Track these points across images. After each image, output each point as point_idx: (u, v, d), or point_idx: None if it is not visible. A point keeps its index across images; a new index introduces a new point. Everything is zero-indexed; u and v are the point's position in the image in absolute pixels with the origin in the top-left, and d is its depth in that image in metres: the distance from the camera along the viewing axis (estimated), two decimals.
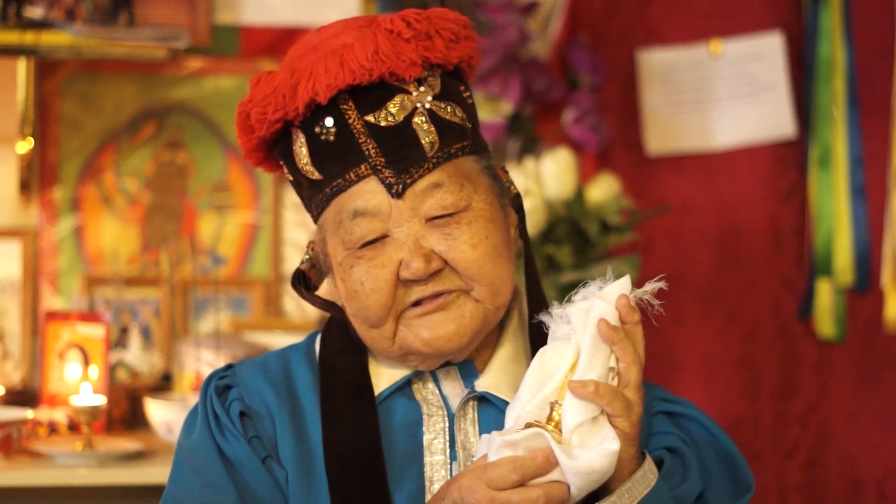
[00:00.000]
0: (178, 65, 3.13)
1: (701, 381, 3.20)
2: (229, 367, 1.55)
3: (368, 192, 1.42)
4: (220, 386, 1.51)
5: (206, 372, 2.29)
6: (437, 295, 1.42)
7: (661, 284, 1.36)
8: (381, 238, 1.43)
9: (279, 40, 3.05)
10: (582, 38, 3.14)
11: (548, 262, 2.82)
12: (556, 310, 1.35)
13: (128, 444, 2.66)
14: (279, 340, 2.86)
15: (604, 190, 2.89)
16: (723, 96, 3.22)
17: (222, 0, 3.14)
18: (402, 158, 1.42)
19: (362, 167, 1.42)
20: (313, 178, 1.46)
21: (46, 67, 3.11)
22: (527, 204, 2.77)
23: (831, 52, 3.12)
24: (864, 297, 3.13)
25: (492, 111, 2.94)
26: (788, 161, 3.21)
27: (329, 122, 1.43)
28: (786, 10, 3.21)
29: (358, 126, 1.42)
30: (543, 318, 1.37)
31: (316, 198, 1.47)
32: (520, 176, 2.83)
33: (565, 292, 1.38)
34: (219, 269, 3.16)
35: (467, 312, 1.42)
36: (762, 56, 3.21)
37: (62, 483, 2.56)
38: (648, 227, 3.12)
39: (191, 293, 3.14)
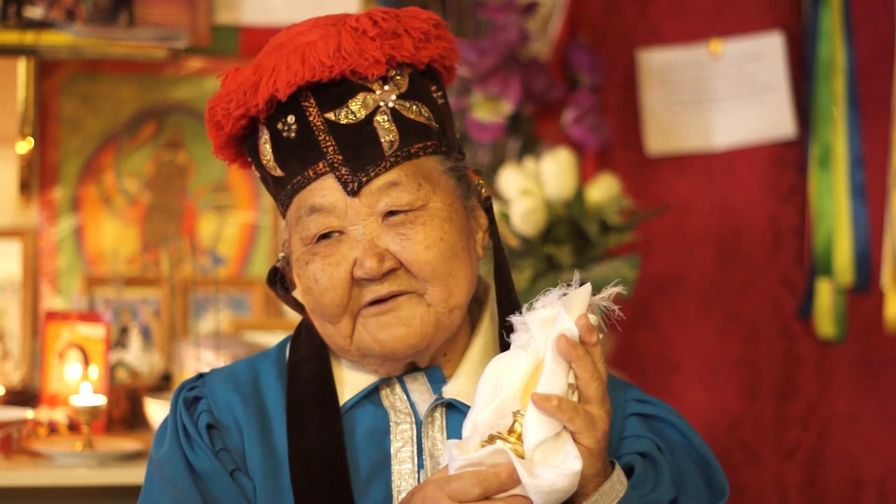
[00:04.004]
0: (178, 65, 3.13)
1: (701, 381, 3.20)
2: (200, 376, 1.54)
3: (325, 189, 1.41)
4: (188, 398, 1.50)
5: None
6: (392, 296, 1.40)
7: (619, 289, 1.32)
8: (336, 234, 1.42)
9: None
10: (582, 38, 3.14)
11: (548, 262, 2.82)
12: (517, 318, 1.33)
13: (128, 444, 2.66)
14: (279, 340, 2.86)
15: (604, 190, 2.89)
16: (723, 96, 3.22)
17: (222, 0, 3.14)
18: (359, 157, 1.40)
19: (320, 164, 1.41)
20: (276, 174, 1.45)
21: (46, 67, 3.11)
22: (527, 204, 2.78)
23: (831, 52, 3.12)
24: (864, 297, 3.13)
25: (492, 111, 2.94)
26: (788, 161, 3.21)
27: (291, 119, 1.42)
28: (786, 10, 3.21)
29: (318, 123, 1.41)
30: (510, 323, 1.35)
31: (280, 195, 1.47)
32: (520, 176, 2.83)
33: (545, 289, 1.36)
34: (219, 269, 3.16)
35: (418, 315, 1.40)
36: (762, 56, 3.21)
37: (62, 483, 2.56)
38: (648, 227, 3.11)
39: (191, 293, 3.14)
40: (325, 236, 1.42)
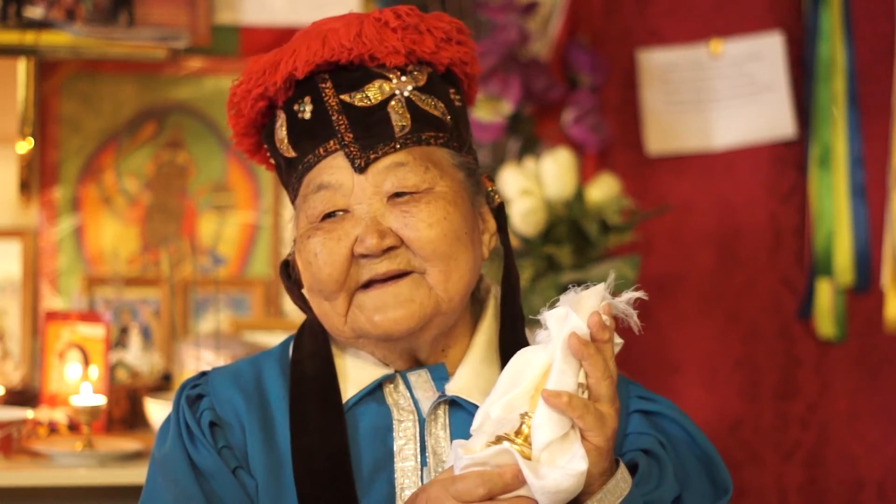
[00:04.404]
0: (178, 65, 3.13)
1: (701, 381, 3.20)
2: (203, 374, 1.54)
3: (334, 168, 1.43)
4: (191, 395, 1.50)
5: None
6: (390, 276, 1.41)
7: (640, 294, 1.33)
8: (341, 212, 1.43)
9: (279, 40, 3.03)
10: (582, 38, 3.14)
11: (548, 262, 2.82)
12: (540, 315, 1.33)
13: (128, 444, 2.66)
14: (279, 340, 2.86)
15: (604, 190, 2.89)
16: (723, 96, 3.22)
17: (222, 0, 3.14)
18: (370, 136, 1.42)
19: (331, 142, 1.43)
20: (289, 156, 1.47)
21: (46, 67, 3.11)
22: (527, 204, 2.78)
23: (831, 52, 3.12)
24: (864, 297, 3.13)
25: (492, 111, 2.94)
26: (788, 161, 3.21)
27: (307, 99, 1.45)
28: (786, 10, 3.21)
29: (333, 104, 1.44)
30: (535, 321, 1.35)
31: (292, 178, 1.48)
32: (520, 176, 2.83)
33: (565, 289, 1.36)
34: (219, 269, 3.16)
35: (418, 298, 1.41)
36: (762, 56, 3.21)
37: (62, 483, 2.56)
38: (648, 227, 3.12)
39: (191, 293, 3.14)
40: (329, 215, 1.44)
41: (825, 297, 3.14)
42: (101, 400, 2.67)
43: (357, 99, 1.43)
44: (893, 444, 3.21)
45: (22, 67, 3.04)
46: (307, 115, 1.44)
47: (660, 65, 3.21)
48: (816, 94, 3.14)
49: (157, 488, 1.46)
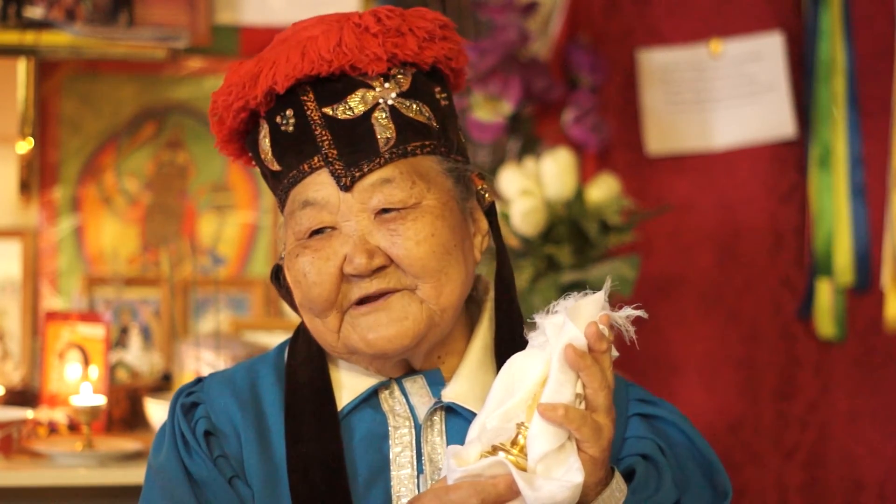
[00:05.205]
0: (178, 65, 3.13)
1: (701, 381, 3.20)
2: (198, 381, 1.53)
3: (319, 184, 1.40)
4: (186, 404, 1.49)
5: (206, 372, 2.29)
6: (381, 294, 1.39)
7: (640, 313, 1.31)
8: (329, 229, 1.41)
9: None
10: (582, 38, 3.14)
11: (548, 262, 2.82)
12: (537, 319, 1.31)
13: (128, 444, 2.66)
14: (279, 340, 2.86)
15: (604, 190, 2.89)
16: (723, 96, 3.22)
17: (222, 0, 3.14)
18: (354, 152, 1.39)
19: (315, 159, 1.40)
20: (273, 169, 1.45)
21: (46, 67, 3.11)
22: (527, 204, 2.78)
23: (831, 52, 3.12)
24: (864, 297, 3.13)
25: (492, 111, 2.94)
26: (788, 161, 3.21)
27: (289, 112, 1.42)
28: (786, 10, 3.21)
29: (315, 117, 1.41)
30: (531, 323, 1.33)
31: (278, 190, 1.46)
32: (520, 176, 2.83)
33: (565, 292, 1.35)
34: (219, 269, 3.16)
35: (411, 314, 1.39)
36: (762, 56, 3.21)
37: (62, 483, 2.56)
38: (648, 227, 3.11)
39: (191, 293, 3.14)
40: (317, 232, 1.41)
41: (825, 297, 3.14)
42: (101, 400, 2.67)
43: (340, 111, 1.40)
44: (894, 445, 3.20)
45: (22, 67, 3.04)
46: (290, 129, 1.42)
47: (660, 65, 3.21)
48: (816, 94, 3.14)
49: (154, 497, 1.45)
